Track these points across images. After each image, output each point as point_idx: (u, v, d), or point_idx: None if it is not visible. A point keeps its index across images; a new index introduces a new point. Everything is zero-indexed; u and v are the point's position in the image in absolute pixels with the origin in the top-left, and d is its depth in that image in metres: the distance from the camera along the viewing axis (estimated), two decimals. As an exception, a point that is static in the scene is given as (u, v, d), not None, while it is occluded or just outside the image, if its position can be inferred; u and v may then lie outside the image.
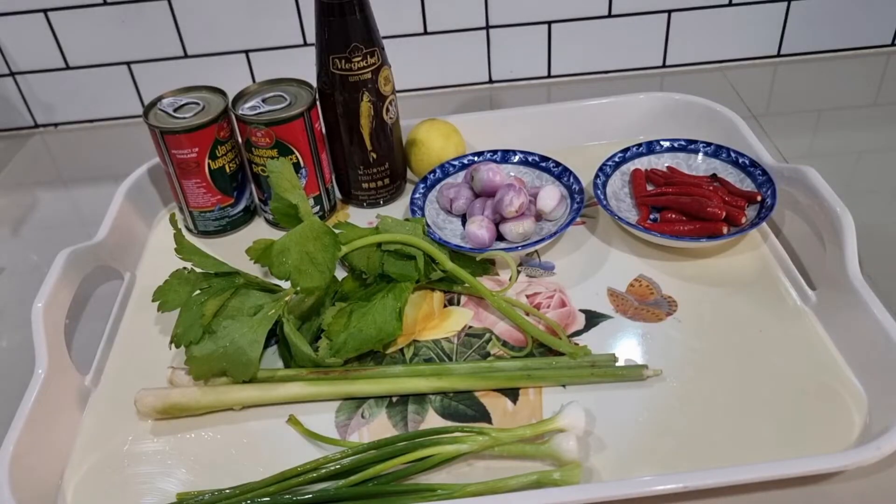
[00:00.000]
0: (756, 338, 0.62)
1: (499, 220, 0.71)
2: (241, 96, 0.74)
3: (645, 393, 0.59)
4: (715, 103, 0.83)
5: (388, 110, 0.75)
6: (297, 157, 0.73)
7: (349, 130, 0.75)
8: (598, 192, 0.73)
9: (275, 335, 0.64)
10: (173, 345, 0.60)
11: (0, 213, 0.88)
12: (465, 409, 0.59)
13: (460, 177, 0.78)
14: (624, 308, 0.66)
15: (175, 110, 0.73)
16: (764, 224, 0.71)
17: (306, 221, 0.62)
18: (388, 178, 0.79)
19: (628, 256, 0.71)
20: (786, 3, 0.96)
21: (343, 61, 0.70)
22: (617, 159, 0.78)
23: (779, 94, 0.96)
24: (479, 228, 0.69)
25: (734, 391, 0.58)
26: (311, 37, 0.91)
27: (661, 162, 0.78)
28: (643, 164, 0.78)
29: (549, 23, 0.96)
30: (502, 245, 0.71)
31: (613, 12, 0.96)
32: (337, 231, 0.64)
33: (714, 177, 0.75)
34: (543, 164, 0.77)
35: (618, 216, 0.70)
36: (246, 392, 0.60)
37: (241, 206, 0.78)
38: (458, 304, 0.68)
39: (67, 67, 0.97)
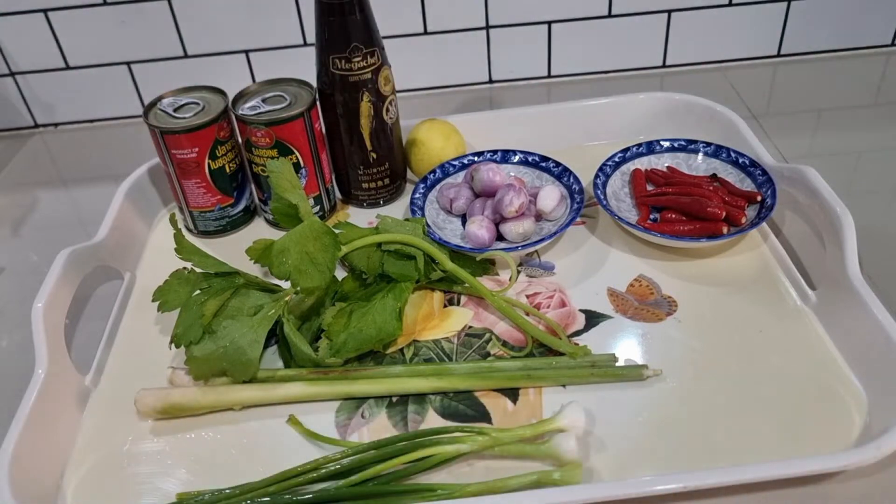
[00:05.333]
0: (756, 338, 0.62)
1: (499, 220, 0.71)
2: (241, 96, 0.74)
3: (645, 393, 0.59)
4: (715, 103, 0.83)
5: (388, 110, 0.75)
6: (297, 157, 0.73)
7: (349, 130, 0.75)
8: (598, 192, 0.73)
9: (275, 335, 0.64)
10: (173, 345, 0.60)
11: (0, 213, 0.88)
12: (465, 409, 0.59)
13: (460, 177, 0.78)
14: (624, 308, 0.66)
15: (175, 110, 0.73)
16: (764, 224, 0.71)
17: (306, 221, 0.62)
18: (388, 178, 0.79)
19: (628, 256, 0.71)
20: (786, 3, 0.96)
21: (343, 61, 0.70)
22: (617, 159, 0.78)
23: (779, 94, 0.96)
24: (479, 228, 0.69)
25: (734, 391, 0.58)
26: (311, 37, 0.91)
27: (661, 162, 0.78)
28: (643, 164, 0.78)
29: (549, 23, 0.96)
30: (502, 245, 0.71)
31: (613, 12, 0.96)
32: (337, 231, 0.64)
33: (714, 177, 0.75)
34: (543, 164, 0.77)
35: (618, 216, 0.70)
36: (246, 392, 0.60)
37: (241, 206, 0.78)
38: (458, 304, 0.68)
39: (67, 67, 0.97)
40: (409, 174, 0.83)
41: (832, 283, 0.62)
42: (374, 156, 0.76)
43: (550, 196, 0.72)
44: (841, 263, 0.61)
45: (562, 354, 0.61)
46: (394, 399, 0.60)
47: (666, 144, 0.79)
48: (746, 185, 0.74)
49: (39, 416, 0.57)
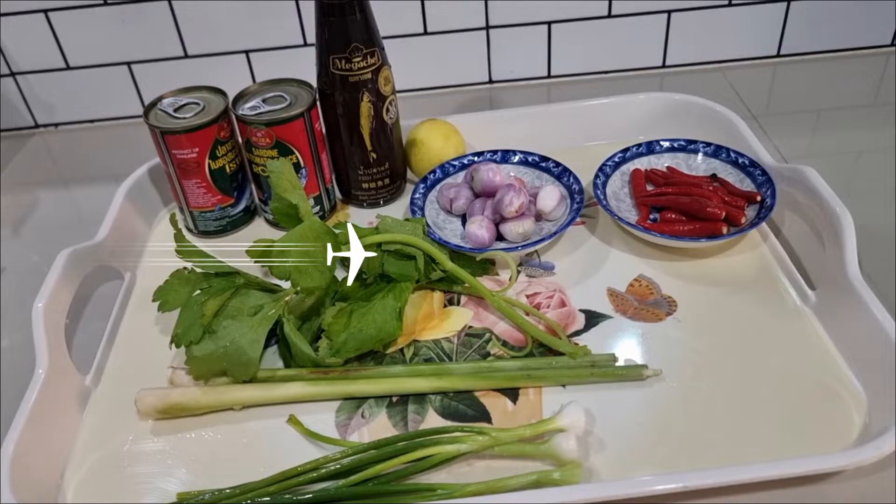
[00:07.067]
0: (756, 338, 0.62)
1: (499, 220, 0.71)
2: (242, 96, 0.74)
3: (645, 393, 0.59)
4: (715, 103, 0.83)
5: (388, 110, 0.75)
6: (297, 157, 0.73)
7: (349, 130, 0.75)
8: (598, 192, 0.73)
9: (275, 335, 0.64)
10: (173, 345, 0.60)
11: (1, 212, 0.88)
12: (465, 409, 0.59)
13: (460, 177, 0.78)
14: (624, 308, 0.66)
15: (175, 110, 0.73)
16: (764, 224, 0.71)
17: (306, 221, 0.62)
18: (388, 178, 0.79)
19: (628, 256, 0.71)
20: (786, 3, 0.96)
21: (343, 61, 0.70)
22: (617, 159, 0.78)
23: (779, 94, 0.96)
24: (479, 228, 0.69)
25: (734, 391, 0.58)
26: (311, 37, 0.91)
27: (660, 162, 0.78)
28: (643, 164, 0.78)
29: (549, 23, 0.96)
30: (502, 245, 0.71)
31: (613, 12, 0.96)
32: (337, 231, 0.64)
33: (714, 177, 0.75)
34: (543, 164, 0.78)
35: (618, 216, 0.70)
36: (246, 392, 0.60)
37: (241, 206, 0.78)
38: (458, 304, 0.68)
39: (68, 67, 0.97)
40: (409, 174, 0.83)
41: (832, 283, 0.62)
42: (374, 156, 0.76)
43: (550, 196, 0.72)
44: (841, 263, 0.61)
45: (562, 354, 0.61)
46: (394, 399, 0.60)
47: (666, 144, 0.79)
48: (746, 185, 0.74)
49: (40, 416, 0.57)
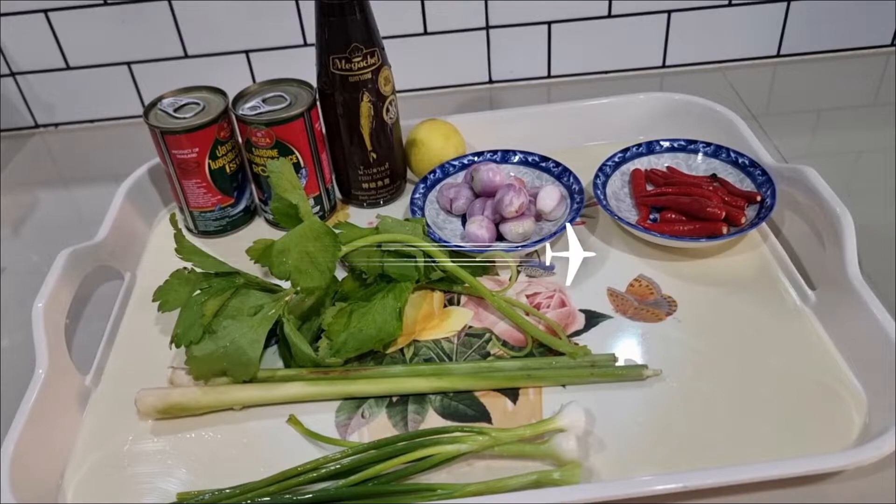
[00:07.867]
0: (756, 338, 0.62)
1: (499, 220, 0.71)
2: (242, 96, 0.74)
3: (645, 393, 0.59)
4: (715, 103, 0.83)
5: (388, 110, 0.75)
6: (297, 157, 0.73)
7: (349, 130, 0.75)
8: (598, 192, 0.73)
9: (275, 335, 0.64)
10: (173, 345, 0.60)
11: (1, 212, 0.88)
12: (465, 409, 0.59)
13: (460, 177, 0.78)
14: (624, 308, 0.66)
15: (175, 110, 0.73)
16: (764, 224, 0.71)
17: (306, 221, 0.62)
18: (388, 178, 0.79)
19: (628, 256, 0.71)
20: (786, 3, 0.96)
21: (343, 61, 0.70)
22: (617, 159, 0.78)
23: (779, 94, 0.96)
24: (479, 228, 0.69)
25: (734, 391, 0.58)
26: (311, 37, 0.91)
27: (660, 162, 0.78)
28: (643, 164, 0.78)
29: (549, 23, 0.96)
30: (502, 245, 0.71)
31: (613, 12, 0.96)
32: (337, 231, 0.64)
33: (714, 177, 0.75)
34: (543, 164, 0.78)
35: (618, 216, 0.70)
36: (246, 392, 0.60)
37: (241, 206, 0.78)
38: (458, 304, 0.68)
39: (68, 67, 0.97)
40: (409, 174, 0.83)
41: (832, 283, 0.62)
42: (374, 156, 0.76)
43: (550, 196, 0.72)
44: (841, 263, 0.61)
45: (562, 354, 0.61)
46: (394, 399, 0.60)
47: (666, 144, 0.79)
48: (746, 185, 0.74)
49: (40, 416, 0.57)
